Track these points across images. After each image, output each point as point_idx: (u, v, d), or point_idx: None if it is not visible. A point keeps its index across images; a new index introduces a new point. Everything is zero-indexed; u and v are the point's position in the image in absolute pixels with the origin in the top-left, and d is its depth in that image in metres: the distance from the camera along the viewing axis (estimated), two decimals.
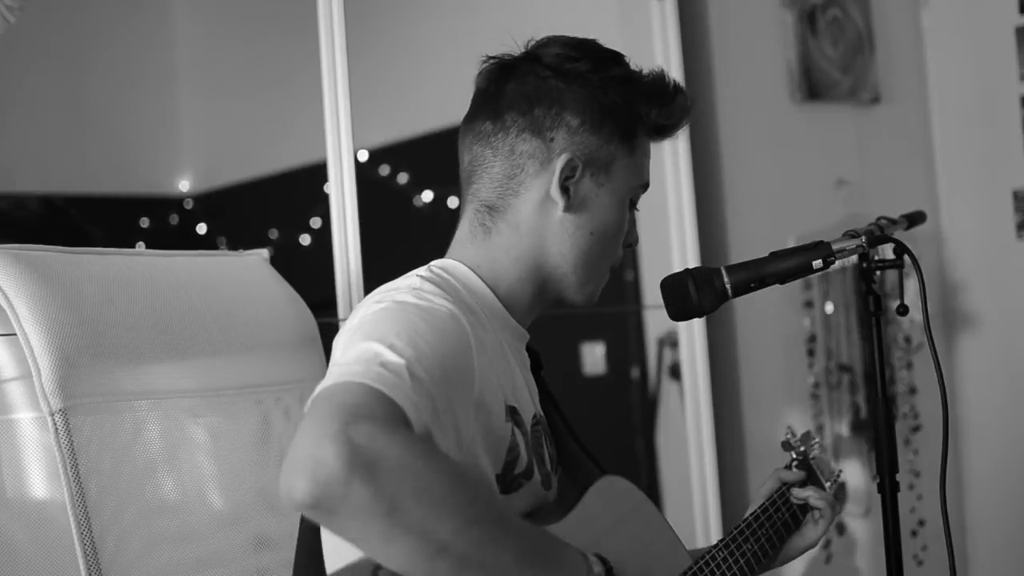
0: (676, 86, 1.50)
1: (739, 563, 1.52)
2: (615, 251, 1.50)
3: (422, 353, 1.20)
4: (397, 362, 1.17)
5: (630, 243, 1.53)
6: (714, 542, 1.55)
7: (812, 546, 1.64)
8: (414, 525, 1.06)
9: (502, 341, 1.42)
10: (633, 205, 1.52)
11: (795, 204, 3.06)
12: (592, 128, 1.44)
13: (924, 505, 3.10)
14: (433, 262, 1.46)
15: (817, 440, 1.72)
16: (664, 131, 1.51)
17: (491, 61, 1.50)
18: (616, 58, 1.49)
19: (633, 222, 1.53)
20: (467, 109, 1.51)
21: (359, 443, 1.04)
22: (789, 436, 1.70)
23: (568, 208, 1.44)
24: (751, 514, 1.59)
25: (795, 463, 1.68)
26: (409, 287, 1.34)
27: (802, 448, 1.69)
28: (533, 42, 1.49)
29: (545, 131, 1.43)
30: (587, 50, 1.48)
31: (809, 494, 1.63)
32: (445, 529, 1.07)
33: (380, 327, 1.23)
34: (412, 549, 1.07)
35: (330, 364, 1.24)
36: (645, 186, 1.52)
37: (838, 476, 1.73)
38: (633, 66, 1.49)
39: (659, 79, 1.49)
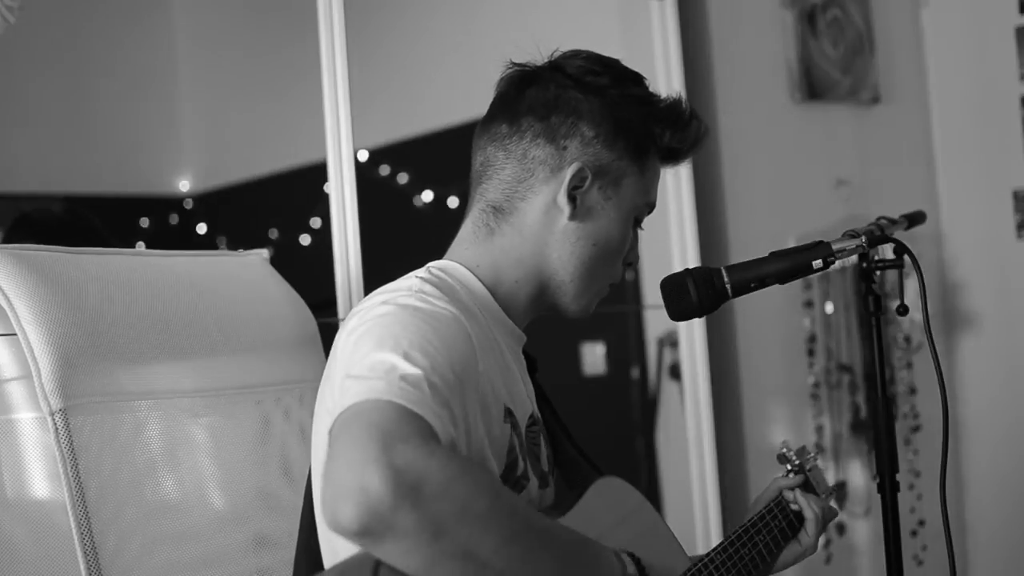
0: (692, 112, 1.52)
1: (736, 567, 1.52)
2: (615, 267, 1.51)
3: (434, 361, 1.21)
4: (415, 374, 1.17)
5: (630, 262, 1.53)
6: (714, 542, 1.56)
7: (806, 555, 1.64)
8: (458, 549, 1.06)
9: (500, 342, 1.43)
10: (638, 224, 1.53)
11: (795, 204, 3.06)
12: (605, 141, 1.45)
13: (924, 505, 3.10)
14: (431, 263, 1.46)
15: (812, 454, 1.72)
16: (675, 155, 1.52)
17: (514, 68, 1.51)
18: (637, 79, 1.51)
19: (635, 241, 1.54)
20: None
21: (401, 467, 1.04)
22: (785, 449, 1.70)
23: (573, 216, 1.45)
24: (749, 520, 1.59)
25: (791, 475, 1.69)
26: (409, 289, 1.34)
27: (798, 461, 1.70)
28: (558, 53, 1.51)
29: (559, 139, 1.45)
30: (610, 67, 1.50)
31: (802, 502, 1.63)
32: (487, 548, 1.08)
33: (390, 335, 1.23)
34: (455, 572, 1.07)
35: (342, 372, 1.23)
36: (651, 206, 1.53)
37: (833, 490, 1.74)
38: (652, 90, 1.51)
39: (676, 104, 1.51)
